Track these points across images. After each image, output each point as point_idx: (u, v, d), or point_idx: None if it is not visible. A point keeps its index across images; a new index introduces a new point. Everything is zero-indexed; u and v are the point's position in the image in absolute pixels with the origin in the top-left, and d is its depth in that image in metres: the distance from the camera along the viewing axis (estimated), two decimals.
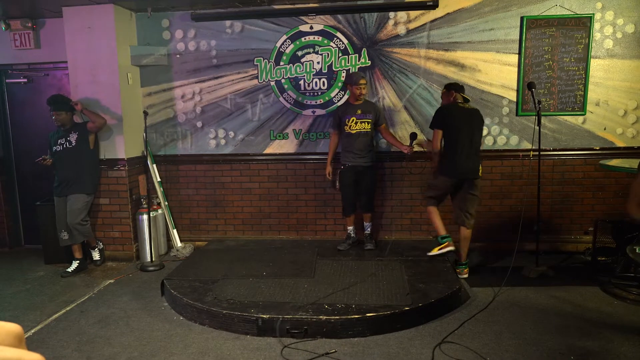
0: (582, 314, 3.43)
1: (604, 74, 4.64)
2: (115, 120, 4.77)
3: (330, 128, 4.81)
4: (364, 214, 4.74)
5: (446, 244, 4.24)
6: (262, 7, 4.80)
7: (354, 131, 4.46)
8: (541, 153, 4.27)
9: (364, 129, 4.45)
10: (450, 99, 4.16)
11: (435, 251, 4.29)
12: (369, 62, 4.84)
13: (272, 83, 5.00)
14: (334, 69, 4.90)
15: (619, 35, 4.57)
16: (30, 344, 2.93)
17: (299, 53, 4.92)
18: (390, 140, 4.67)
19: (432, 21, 4.71)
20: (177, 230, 5.27)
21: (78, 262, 4.67)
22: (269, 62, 4.97)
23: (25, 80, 5.35)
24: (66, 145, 4.54)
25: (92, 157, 4.69)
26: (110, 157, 4.83)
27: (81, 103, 4.58)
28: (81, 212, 4.58)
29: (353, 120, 4.44)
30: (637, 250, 3.17)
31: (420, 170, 4.82)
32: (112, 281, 4.42)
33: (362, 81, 4.41)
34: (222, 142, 5.15)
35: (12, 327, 0.48)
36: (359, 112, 4.45)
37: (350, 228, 4.78)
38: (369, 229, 4.76)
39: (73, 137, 4.55)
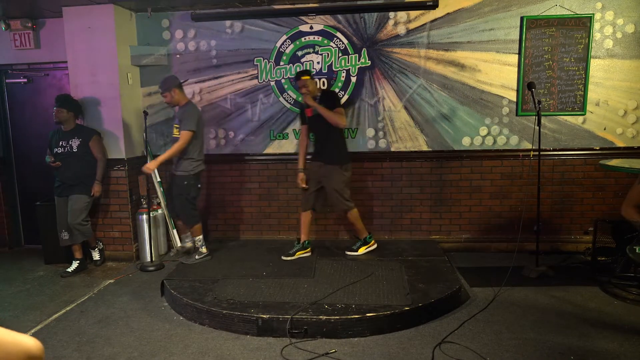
0: (582, 314, 3.43)
1: (604, 74, 4.64)
2: (115, 120, 4.78)
3: None
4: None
5: (373, 242, 4.60)
6: (262, 7, 4.80)
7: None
8: (541, 153, 4.26)
9: (174, 134, 4.43)
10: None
11: (363, 250, 4.52)
12: (369, 62, 4.84)
13: (272, 83, 5.01)
14: (334, 69, 4.90)
15: (619, 35, 4.57)
16: None
17: (299, 53, 4.92)
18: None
19: (432, 21, 4.72)
20: (177, 230, 5.26)
21: (78, 262, 4.68)
22: (269, 62, 4.97)
23: (25, 80, 5.35)
24: (67, 149, 4.55)
25: (93, 160, 4.69)
26: (110, 157, 4.83)
27: (97, 191, 4.61)
28: (82, 212, 4.58)
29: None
30: (637, 250, 3.17)
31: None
32: (112, 281, 4.43)
33: (166, 93, 4.30)
34: (222, 142, 5.15)
35: (28, 347, 0.46)
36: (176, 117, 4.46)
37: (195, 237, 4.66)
38: (185, 240, 4.76)
39: (75, 143, 4.56)
